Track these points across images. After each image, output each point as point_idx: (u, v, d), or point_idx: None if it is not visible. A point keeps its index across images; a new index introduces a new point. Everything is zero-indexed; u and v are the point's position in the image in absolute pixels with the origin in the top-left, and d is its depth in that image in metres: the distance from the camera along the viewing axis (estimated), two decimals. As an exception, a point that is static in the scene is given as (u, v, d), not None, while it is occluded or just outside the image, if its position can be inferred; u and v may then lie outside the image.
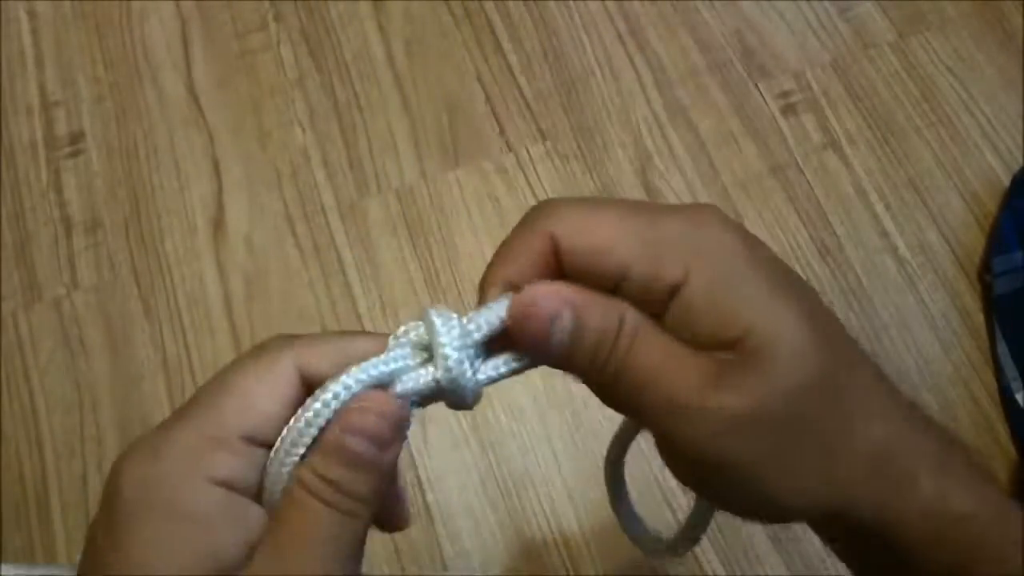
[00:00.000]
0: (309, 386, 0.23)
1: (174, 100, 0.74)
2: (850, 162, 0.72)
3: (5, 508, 0.60)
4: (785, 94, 0.74)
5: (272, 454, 0.23)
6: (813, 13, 0.78)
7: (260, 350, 0.24)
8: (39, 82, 0.75)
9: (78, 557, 0.22)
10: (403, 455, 0.59)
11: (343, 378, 0.23)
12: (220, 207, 0.70)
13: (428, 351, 0.24)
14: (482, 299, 0.24)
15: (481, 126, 0.73)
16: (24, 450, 0.62)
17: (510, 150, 0.72)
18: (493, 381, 0.24)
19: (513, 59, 0.76)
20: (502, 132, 0.73)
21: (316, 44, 0.76)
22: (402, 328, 0.25)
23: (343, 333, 0.25)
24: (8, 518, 0.60)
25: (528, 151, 0.72)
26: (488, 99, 0.74)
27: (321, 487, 0.21)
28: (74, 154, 0.72)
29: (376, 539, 0.58)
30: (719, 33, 0.77)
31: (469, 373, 0.23)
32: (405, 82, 0.75)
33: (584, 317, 0.22)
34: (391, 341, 0.24)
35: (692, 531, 0.33)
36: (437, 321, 0.24)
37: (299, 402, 0.23)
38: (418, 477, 0.60)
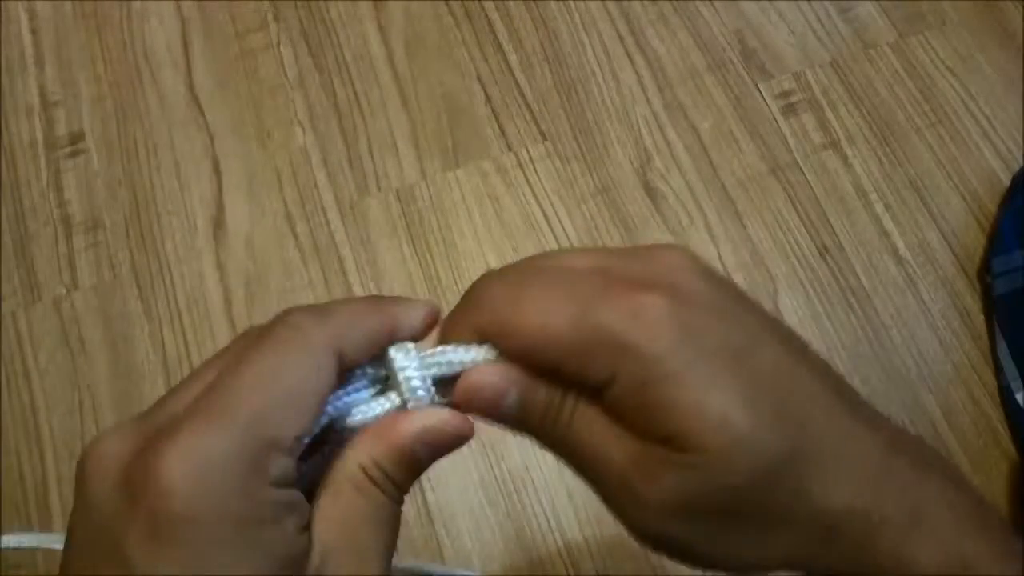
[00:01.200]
0: (343, 369, 0.23)
1: (174, 100, 0.74)
2: (850, 162, 0.72)
3: (5, 508, 0.60)
4: (785, 94, 0.74)
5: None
6: (813, 13, 0.78)
7: (297, 335, 0.22)
8: (39, 82, 0.75)
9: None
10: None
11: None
12: (220, 207, 0.70)
13: (383, 383, 0.25)
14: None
15: (481, 126, 0.73)
16: (24, 450, 0.62)
17: (510, 150, 0.72)
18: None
19: (513, 59, 0.76)
20: (502, 132, 0.73)
21: (316, 44, 0.76)
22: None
23: (373, 304, 0.24)
24: (8, 518, 0.60)
25: (528, 151, 0.72)
26: (488, 99, 0.74)
27: (384, 481, 0.23)
28: (74, 154, 0.72)
29: (376, 539, 0.58)
30: (719, 33, 0.77)
31: (428, 397, 0.24)
32: (405, 82, 0.75)
33: (529, 394, 0.24)
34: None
35: None
36: (396, 354, 0.24)
37: (333, 389, 0.23)
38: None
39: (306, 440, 0.22)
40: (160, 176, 0.71)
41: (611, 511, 0.24)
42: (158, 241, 0.69)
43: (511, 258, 0.68)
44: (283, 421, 0.21)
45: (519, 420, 0.24)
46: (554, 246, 0.69)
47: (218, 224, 0.69)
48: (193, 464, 0.19)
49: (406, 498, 0.24)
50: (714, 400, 0.21)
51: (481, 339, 0.24)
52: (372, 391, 0.25)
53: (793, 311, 0.67)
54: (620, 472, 0.22)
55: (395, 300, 0.25)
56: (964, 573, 0.22)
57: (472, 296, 0.25)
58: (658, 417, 0.21)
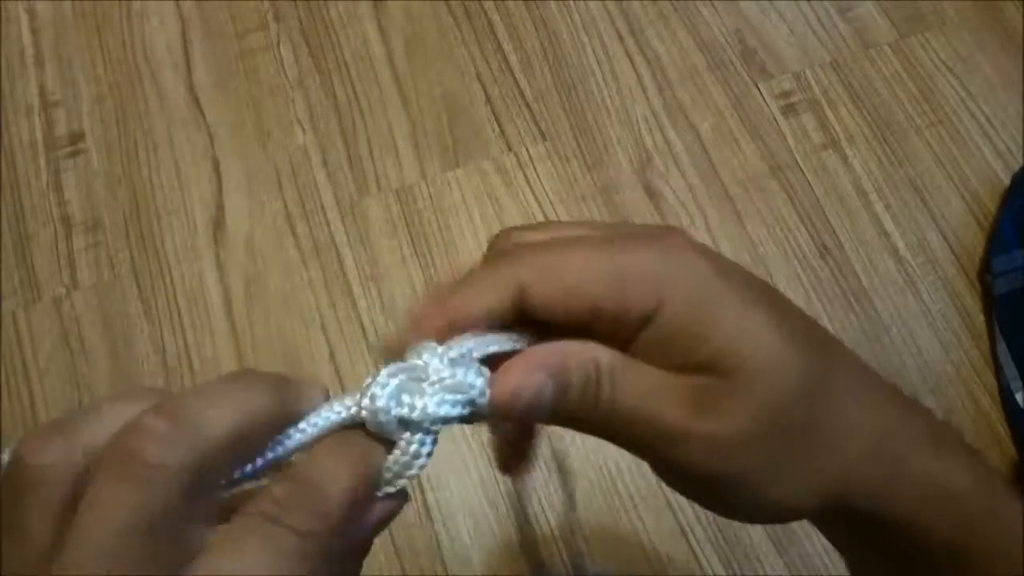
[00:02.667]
0: None
1: (174, 100, 0.74)
2: (850, 162, 0.72)
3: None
4: (785, 94, 0.74)
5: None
6: (813, 13, 0.78)
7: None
8: (39, 82, 0.75)
9: None
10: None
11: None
12: (220, 207, 0.70)
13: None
14: (438, 332, 0.23)
15: (481, 126, 0.73)
16: (24, 450, 0.62)
17: (510, 150, 0.72)
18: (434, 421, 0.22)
19: (513, 59, 0.76)
20: (502, 132, 0.73)
21: (316, 44, 0.76)
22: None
23: (220, 386, 0.20)
24: (8, 518, 0.60)
25: (528, 151, 0.72)
26: (488, 99, 0.74)
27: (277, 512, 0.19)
28: (74, 154, 0.72)
29: (376, 539, 0.58)
30: (719, 33, 0.77)
31: (390, 406, 0.21)
32: (405, 82, 0.75)
33: (562, 377, 0.22)
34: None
35: None
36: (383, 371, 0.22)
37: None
38: (418, 477, 0.60)
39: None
40: (160, 176, 0.71)
41: (662, 469, 0.24)
42: (158, 241, 0.69)
43: (511, 258, 0.68)
44: None
45: (556, 412, 0.23)
46: (554, 246, 0.69)
47: (218, 224, 0.69)
48: None
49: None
50: (752, 322, 0.22)
51: (520, 290, 0.23)
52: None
53: (793, 311, 0.66)
54: (670, 419, 0.22)
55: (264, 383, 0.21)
56: (993, 490, 0.24)
57: (503, 248, 0.24)
58: (704, 340, 0.22)
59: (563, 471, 0.61)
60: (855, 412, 0.23)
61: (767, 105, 0.74)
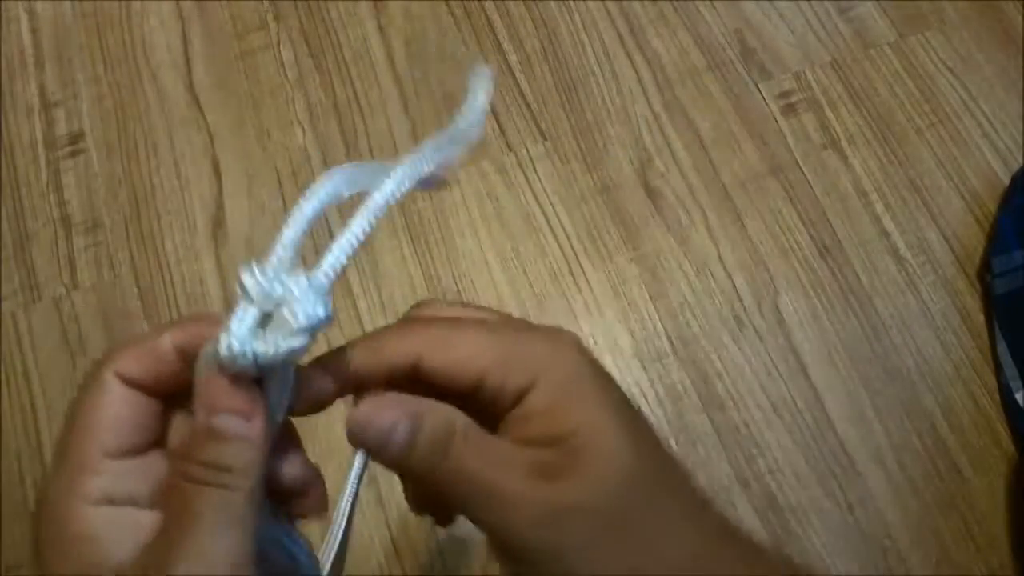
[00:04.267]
0: (140, 387, 0.25)
1: (174, 100, 0.74)
2: (850, 162, 0.72)
3: (5, 508, 0.60)
4: (785, 94, 0.74)
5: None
6: (813, 13, 0.78)
7: (87, 373, 0.25)
8: (39, 82, 0.75)
9: None
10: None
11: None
12: (220, 207, 0.70)
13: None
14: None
15: (481, 126, 0.73)
16: (24, 450, 0.62)
17: (510, 150, 0.72)
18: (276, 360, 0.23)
19: (513, 59, 0.76)
20: (502, 132, 0.73)
21: (316, 44, 0.76)
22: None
23: (161, 326, 0.26)
24: (8, 518, 0.60)
25: (528, 151, 0.72)
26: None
27: (196, 471, 0.23)
28: (74, 154, 0.72)
29: (376, 539, 0.58)
30: (719, 33, 0.77)
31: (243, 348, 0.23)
32: (405, 82, 0.75)
33: (417, 422, 0.25)
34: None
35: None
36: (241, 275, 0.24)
37: (136, 404, 0.24)
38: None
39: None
40: (160, 176, 0.71)
41: (493, 540, 0.25)
42: (158, 241, 0.69)
43: (511, 258, 0.68)
44: (81, 445, 0.24)
45: (406, 456, 0.25)
46: (554, 246, 0.69)
47: (218, 224, 0.69)
48: (40, 499, 0.24)
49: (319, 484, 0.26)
50: (607, 416, 0.25)
51: (418, 356, 0.25)
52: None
53: (793, 311, 0.67)
54: (511, 481, 0.24)
55: (187, 318, 0.26)
56: None
57: (411, 318, 0.28)
58: (564, 418, 0.25)
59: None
60: (676, 525, 0.25)
61: (767, 105, 0.74)
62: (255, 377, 0.24)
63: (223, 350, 0.23)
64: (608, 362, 0.65)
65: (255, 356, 0.23)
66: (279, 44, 0.76)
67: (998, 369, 0.64)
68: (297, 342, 0.23)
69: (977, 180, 0.71)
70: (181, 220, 0.69)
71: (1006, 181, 0.71)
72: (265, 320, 0.23)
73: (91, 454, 0.24)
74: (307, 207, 0.25)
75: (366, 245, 0.69)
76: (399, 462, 0.25)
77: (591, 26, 0.77)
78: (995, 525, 0.60)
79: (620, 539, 0.24)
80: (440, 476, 0.24)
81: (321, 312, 0.23)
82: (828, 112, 0.74)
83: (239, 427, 0.23)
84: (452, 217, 0.69)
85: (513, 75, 0.75)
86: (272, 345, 0.23)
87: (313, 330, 0.23)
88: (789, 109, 0.74)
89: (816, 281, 0.68)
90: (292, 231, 0.25)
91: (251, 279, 0.23)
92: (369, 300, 0.67)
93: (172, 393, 0.25)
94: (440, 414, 0.25)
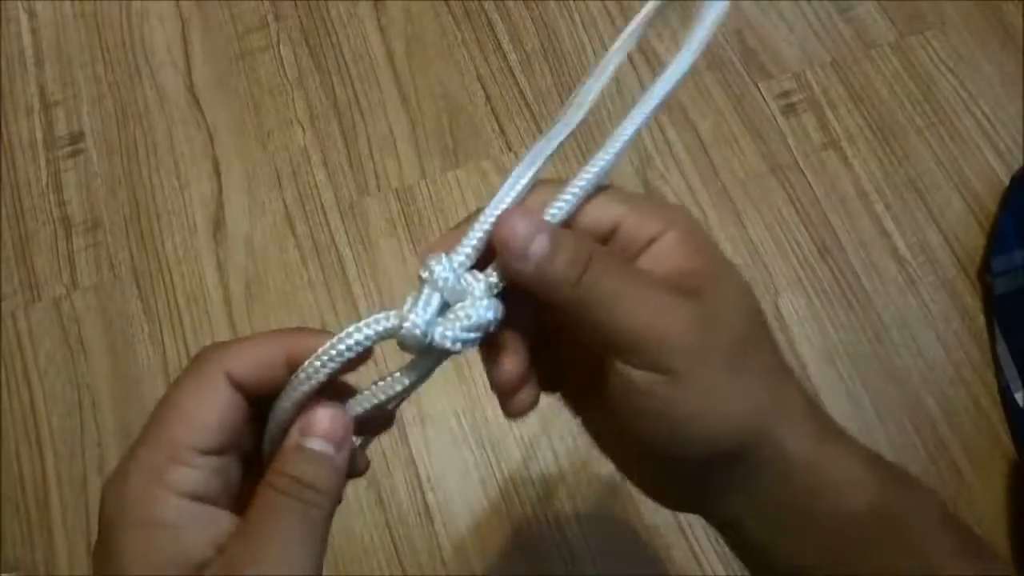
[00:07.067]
0: (242, 389, 0.25)
1: (174, 100, 0.74)
2: (850, 162, 0.72)
3: (5, 508, 0.60)
4: (785, 94, 0.74)
5: (265, 435, 0.26)
6: (813, 13, 0.78)
7: (194, 364, 0.26)
8: (39, 82, 0.75)
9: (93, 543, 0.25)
10: (401, 452, 0.59)
11: (316, 355, 0.25)
12: (220, 207, 0.70)
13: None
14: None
15: (481, 126, 0.73)
16: (24, 450, 0.62)
17: (510, 150, 0.72)
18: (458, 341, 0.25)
19: (513, 59, 0.76)
20: (502, 132, 0.73)
21: (316, 44, 0.76)
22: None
23: (272, 333, 0.27)
24: (8, 518, 0.60)
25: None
26: (488, 99, 0.74)
27: (284, 483, 0.24)
28: (74, 154, 0.72)
29: (376, 539, 0.58)
30: (719, 33, 0.77)
31: (422, 323, 0.24)
32: (405, 82, 0.75)
33: (559, 238, 0.25)
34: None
35: None
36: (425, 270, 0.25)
37: (236, 406, 0.25)
38: (418, 477, 0.60)
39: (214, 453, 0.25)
40: (160, 176, 0.71)
41: (638, 345, 0.25)
42: (158, 241, 0.69)
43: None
44: (176, 437, 0.24)
45: (544, 271, 0.25)
46: (554, 246, 0.69)
47: (218, 224, 0.69)
48: (116, 485, 0.24)
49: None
50: (728, 267, 0.27)
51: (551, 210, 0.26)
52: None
53: (793, 311, 0.67)
54: (636, 316, 0.24)
55: (296, 329, 0.27)
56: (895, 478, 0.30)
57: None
58: (689, 259, 0.26)
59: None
60: (774, 360, 0.27)
61: (767, 105, 0.74)
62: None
63: (409, 328, 0.24)
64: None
65: (431, 341, 0.24)
66: (279, 44, 0.76)
67: (998, 370, 0.64)
68: (472, 336, 0.24)
69: (977, 180, 0.71)
70: (181, 220, 0.69)
71: (1006, 181, 0.71)
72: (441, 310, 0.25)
73: (186, 446, 0.24)
74: (492, 211, 0.26)
75: (366, 245, 0.69)
76: (536, 275, 0.25)
77: (591, 26, 0.77)
78: (995, 525, 0.60)
79: (736, 380, 0.25)
80: (578, 292, 0.25)
81: (492, 315, 0.25)
82: (828, 112, 0.74)
83: (328, 452, 0.25)
84: (452, 217, 0.69)
85: (513, 75, 0.75)
86: (451, 336, 0.24)
87: (485, 330, 0.25)
88: (789, 109, 0.74)
89: (816, 281, 0.68)
90: (478, 232, 0.26)
91: (443, 271, 0.24)
92: (369, 300, 0.67)
93: (264, 398, 0.26)
94: (580, 235, 0.26)
